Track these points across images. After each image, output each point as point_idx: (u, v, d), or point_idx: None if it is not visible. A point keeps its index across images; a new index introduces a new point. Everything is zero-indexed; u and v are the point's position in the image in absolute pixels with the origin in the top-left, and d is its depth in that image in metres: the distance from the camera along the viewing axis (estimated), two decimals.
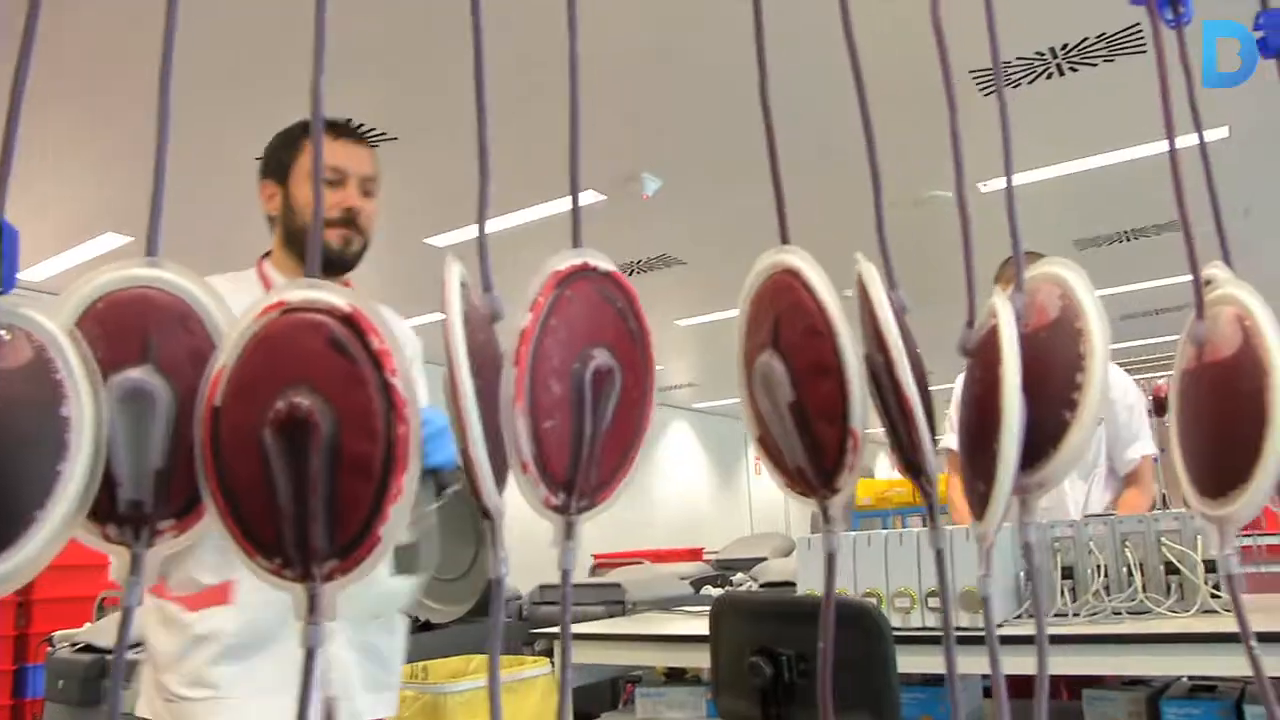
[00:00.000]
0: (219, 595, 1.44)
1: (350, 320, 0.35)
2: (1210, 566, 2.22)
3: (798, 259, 0.38)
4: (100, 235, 5.42)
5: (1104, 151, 4.81)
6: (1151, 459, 2.78)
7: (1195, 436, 0.44)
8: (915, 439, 0.37)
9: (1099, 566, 2.30)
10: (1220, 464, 0.43)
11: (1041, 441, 0.40)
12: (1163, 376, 5.72)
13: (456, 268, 0.39)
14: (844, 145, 4.69)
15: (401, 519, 0.34)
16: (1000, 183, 5.17)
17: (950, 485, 3.07)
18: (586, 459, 0.38)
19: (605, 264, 0.40)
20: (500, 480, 0.36)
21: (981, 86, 4.00)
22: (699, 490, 13.53)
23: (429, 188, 4.44)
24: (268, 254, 1.65)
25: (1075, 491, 2.75)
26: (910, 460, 0.38)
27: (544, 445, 0.37)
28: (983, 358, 0.40)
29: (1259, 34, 0.53)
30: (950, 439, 3.05)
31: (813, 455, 0.39)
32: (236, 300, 1.22)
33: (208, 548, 1.30)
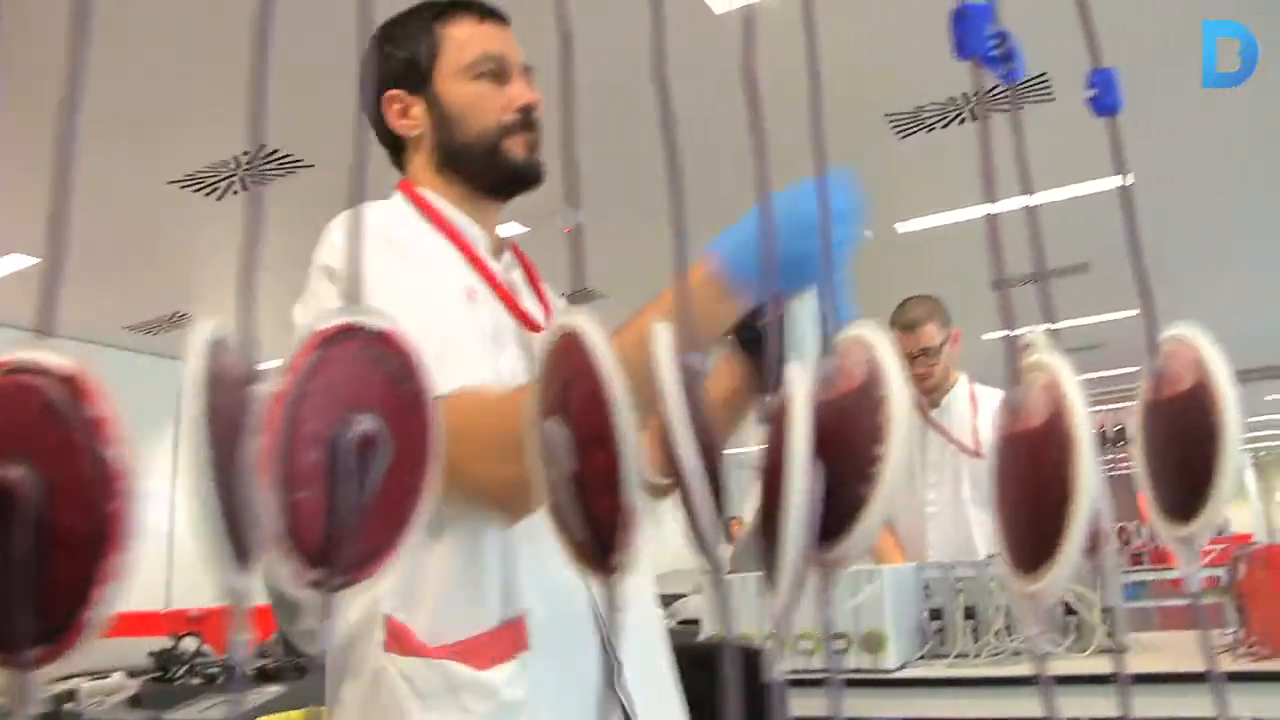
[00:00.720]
0: (515, 638, 1.02)
1: (70, 382, 0.32)
2: (1105, 610, 2.26)
3: (583, 321, 0.36)
4: (6, 255, 5.23)
5: (1016, 195, 4.94)
6: None
7: (1009, 506, 0.43)
8: (693, 510, 0.35)
9: (999, 607, 2.32)
10: (1032, 536, 0.42)
11: (841, 515, 0.38)
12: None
13: (209, 325, 0.36)
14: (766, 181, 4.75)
15: (113, 602, 0.31)
16: (917, 224, 5.32)
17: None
18: (346, 533, 0.35)
19: (380, 323, 0.37)
20: (244, 556, 0.33)
21: (897, 130, 4.09)
22: None
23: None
24: (402, 183, 1.23)
25: (985, 531, 2.78)
26: (694, 528, 0.36)
27: (296, 518, 0.34)
28: (777, 425, 0.38)
29: (1090, 92, 0.53)
30: None
31: (592, 530, 0.37)
32: (400, 232, 1.12)
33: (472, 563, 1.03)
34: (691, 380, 0.37)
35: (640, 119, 4.01)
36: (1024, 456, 0.42)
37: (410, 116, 1.20)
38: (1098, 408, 6.09)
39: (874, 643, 2.18)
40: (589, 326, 0.37)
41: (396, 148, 1.23)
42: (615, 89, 3.70)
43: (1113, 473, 5.88)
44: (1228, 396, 0.44)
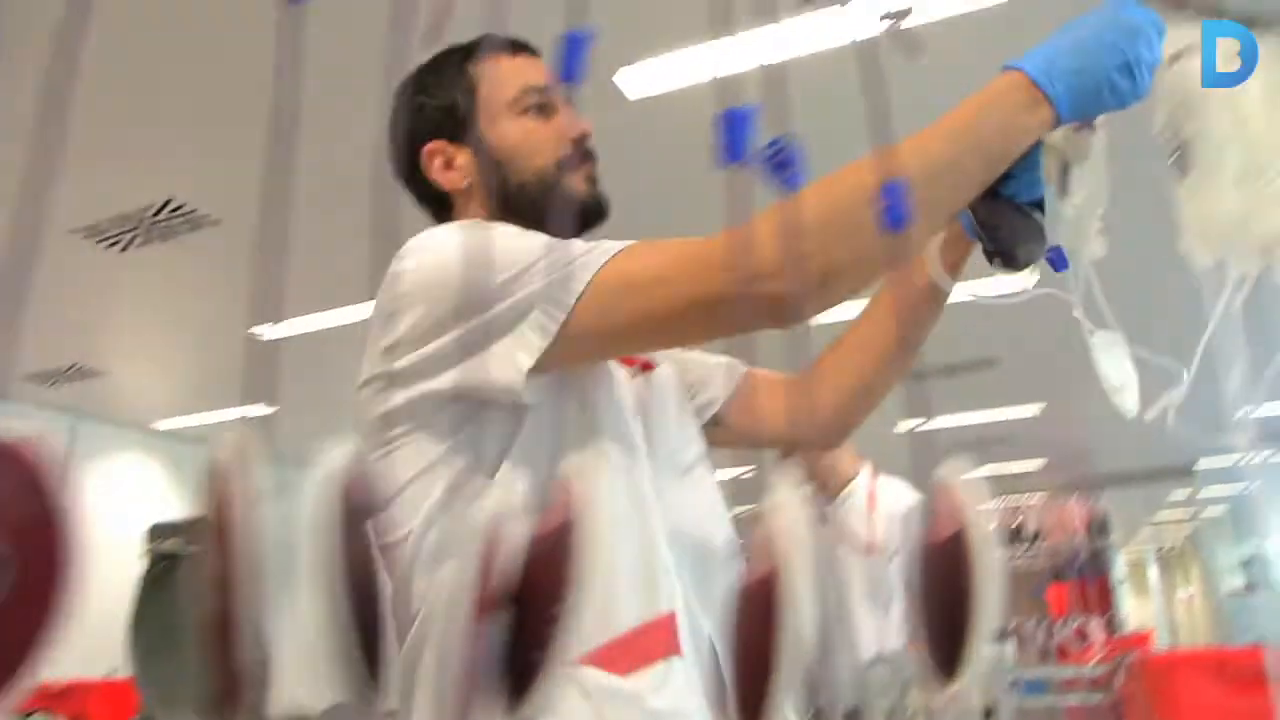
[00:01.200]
0: (662, 638, 0.90)
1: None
2: (987, 712, 2.24)
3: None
4: None
5: None
6: None
7: (921, 614, 0.43)
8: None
9: (887, 711, 2.28)
10: (942, 644, 0.43)
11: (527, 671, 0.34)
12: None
13: None
14: None
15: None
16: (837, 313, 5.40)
17: None
18: None
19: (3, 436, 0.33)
20: None
21: None
22: None
23: (254, 274, 4.28)
24: None
25: (871, 630, 2.76)
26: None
27: None
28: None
29: (883, 202, 0.52)
30: None
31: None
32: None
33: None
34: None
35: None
36: (932, 568, 0.42)
37: (455, 167, 1.10)
38: (1002, 502, 6.20)
39: None
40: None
41: (441, 204, 1.12)
42: None
43: (1014, 567, 5.95)
44: (983, 554, 0.42)
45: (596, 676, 0.85)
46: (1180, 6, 1.07)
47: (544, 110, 1.08)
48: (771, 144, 0.49)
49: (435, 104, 1.10)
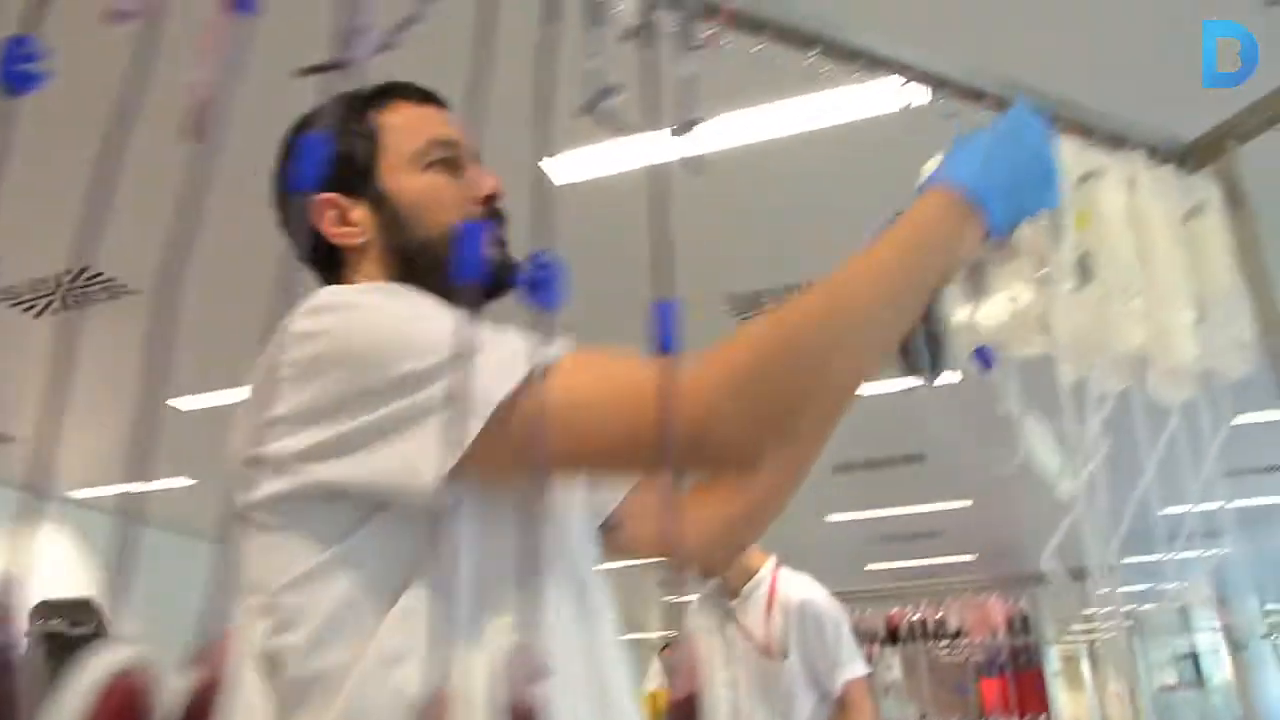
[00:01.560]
0: None
1: None
2: None
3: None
4: None
5: None
6: (860, 681, 2.75)
7: None
8: None
9: None
10: None
11: None
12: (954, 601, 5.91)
13: None
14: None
15: None
16: None
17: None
18: None
19: None
20: None
21: (736, 313, 4.22)
22: None
23: (177, 346, 4.17)
24: None
25: None
26: None
27: None
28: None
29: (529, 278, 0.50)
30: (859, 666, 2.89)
31: None
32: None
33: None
34: None
35: None
36: None
37: (350, 222, 0.98)
38: (924, 599, 6.20)
39: None
40: None
41: (332, 261, 1.00)
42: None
43: (936, 662, 5.91)
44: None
45: None
46: (1087, 134, 1.11)
47: (451, 166, 0.98)
48: (533, 258, 0.48)
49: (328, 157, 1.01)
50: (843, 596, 6.26)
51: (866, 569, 10.76)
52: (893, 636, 5.63)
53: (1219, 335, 1.02)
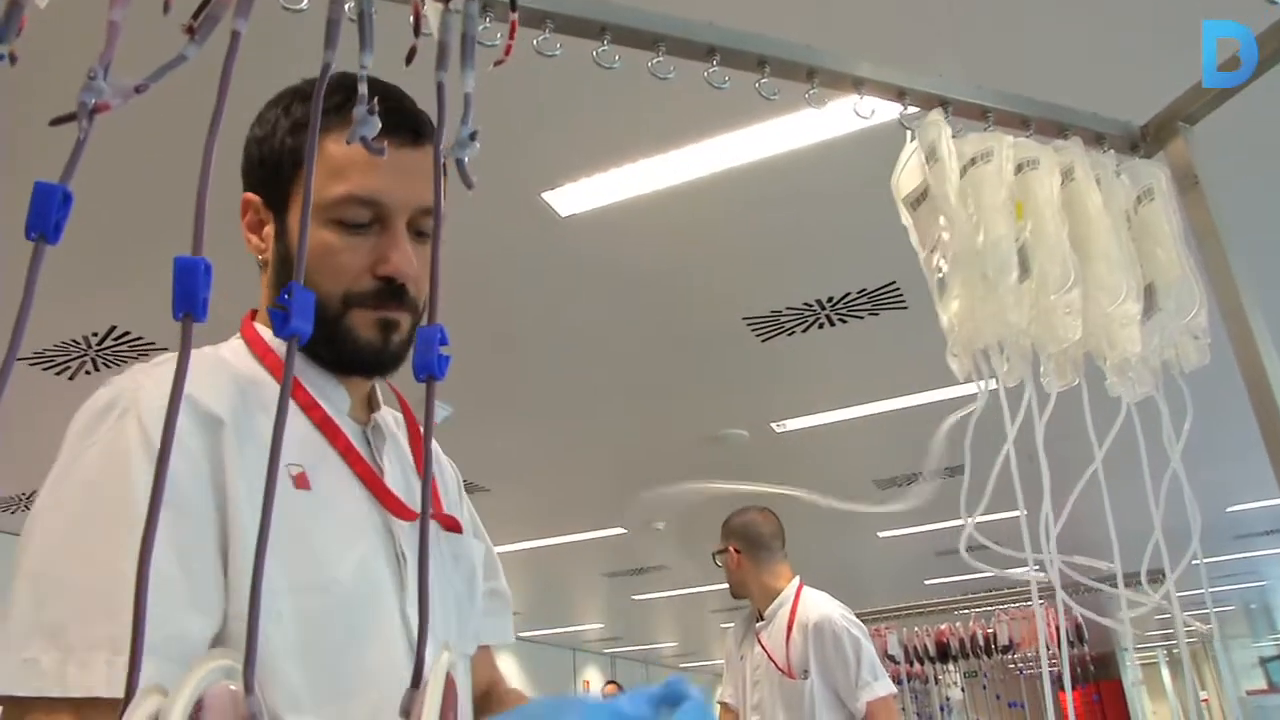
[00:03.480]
0: None
1: None
2: None
3: None
4: None
5: (890, 397, 5.03)
6: (885, 700, 2.68)
7: None
8: None
9: None
10: None
11: None
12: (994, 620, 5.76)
13: None
14: (647, 383, 4.79)
15: None
16: (795, 423, 5.39)
17: None
18: None
19: None
20: None
21: (757, 332, 4.17)
22: None
23: None
24: (255, 311, 0.97)
25: None
26: None
27: None
28: None
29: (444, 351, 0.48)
30: (727, 692, 2.93)
31: None
32: (216, 392, 0.78)
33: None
34: None
35: (501, 319, 4.07)
36: None
37: (261, 235, 0.92)
38: (977, 614, 6.03)
39: None
40: None
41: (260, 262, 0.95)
42: (471, 291, 3.74)
43: (1007, 674, 5.75)
44: None
45: None
46: (1025, 125, 1.08)
47: (363, 229, 0.88)
48: (423, 336, 0.45)
49: (263, 153, 0.92)
50: (896, 613, 6.16)
51: (925, 584, 10.55)
52: (943, 654, 5.48)
53: (1172, 325, 0.97)
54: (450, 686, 0.34)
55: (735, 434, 5.31)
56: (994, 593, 6.33)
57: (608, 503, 6.67)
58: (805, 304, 3.96)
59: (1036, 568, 0.85)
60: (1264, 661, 18.15)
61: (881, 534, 8.10)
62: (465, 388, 4.45)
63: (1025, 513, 0.82)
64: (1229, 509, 7.84)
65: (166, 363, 0.81)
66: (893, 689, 2.74)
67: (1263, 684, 17.79)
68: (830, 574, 5.59)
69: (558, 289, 3.74)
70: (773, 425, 5.29)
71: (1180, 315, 0.97)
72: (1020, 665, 5.48)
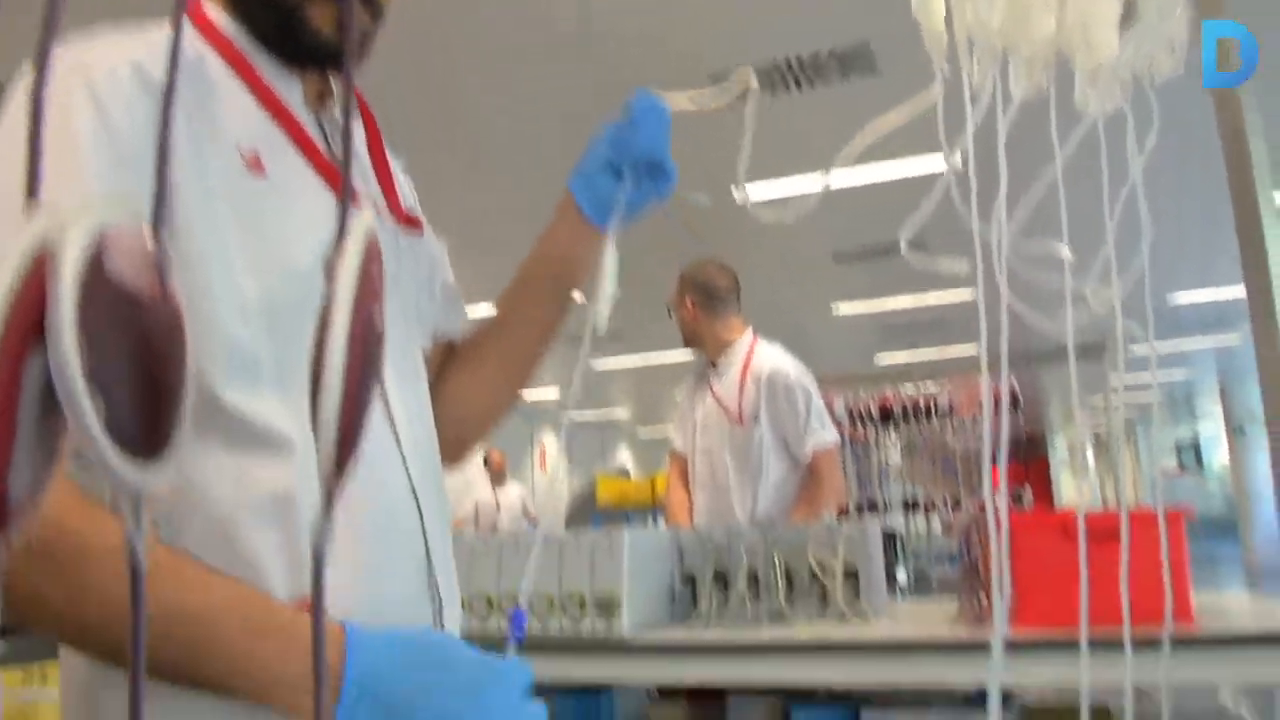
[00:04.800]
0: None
1: None
2: (851, 573, 2.27)
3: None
4: None
5: (849, 166, 4.96)
6: (829, 450, 2.81)
7: None
8: None
9: (751, 574, 2.30)
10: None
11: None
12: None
13: None
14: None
15: None
16: (757, 190, 5.34)
17: (670, 486, 3.06)
18: None
19: None
20: None
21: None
22: None
23: None
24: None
25: (742, 493, 2.78)
26: None
27: None
28: None
29: None
30: (677, 440, 3.04)
31: None
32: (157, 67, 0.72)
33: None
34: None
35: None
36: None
37: None
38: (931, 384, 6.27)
39: (607, 607, 2.13)
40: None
41: None
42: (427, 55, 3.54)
43: (946, 445, 6.05)
44: None
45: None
46: None
47: None
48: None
49: None
50: (847, 380, 6.37)
51: (877, 363, 10.88)
52: (885, 417, 5.74)
53: (1151, 36, 0.93)
54: (374, 244, 0.33)
55: (696, 199, 5.26)
56: (941, 364, 6.55)
57: None
58: (774, 63, 3.83)
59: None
60: (1179, 447, 19.34)
61: (837, 308, 8.26)
62: (423, 149, 4.32)
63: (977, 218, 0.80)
64: (1172, 299, 8.06)
65: (113, 33, 0.77)
66: (837, 439, 2.86)
67: (1175, 466, 19.02)
68: (783, 346, 5.71)
69: (518, 47, 3.57)
70: (734, 191, 5.24)
71: (1162, 23, 0.93)
72: (957, 429, 5.74)
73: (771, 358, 2.84)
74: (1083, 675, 0.84)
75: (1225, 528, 13.64)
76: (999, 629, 0.66)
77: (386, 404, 0.84)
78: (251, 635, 0.65)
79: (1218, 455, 17.31)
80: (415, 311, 0.96)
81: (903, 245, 0.86)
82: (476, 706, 0.66)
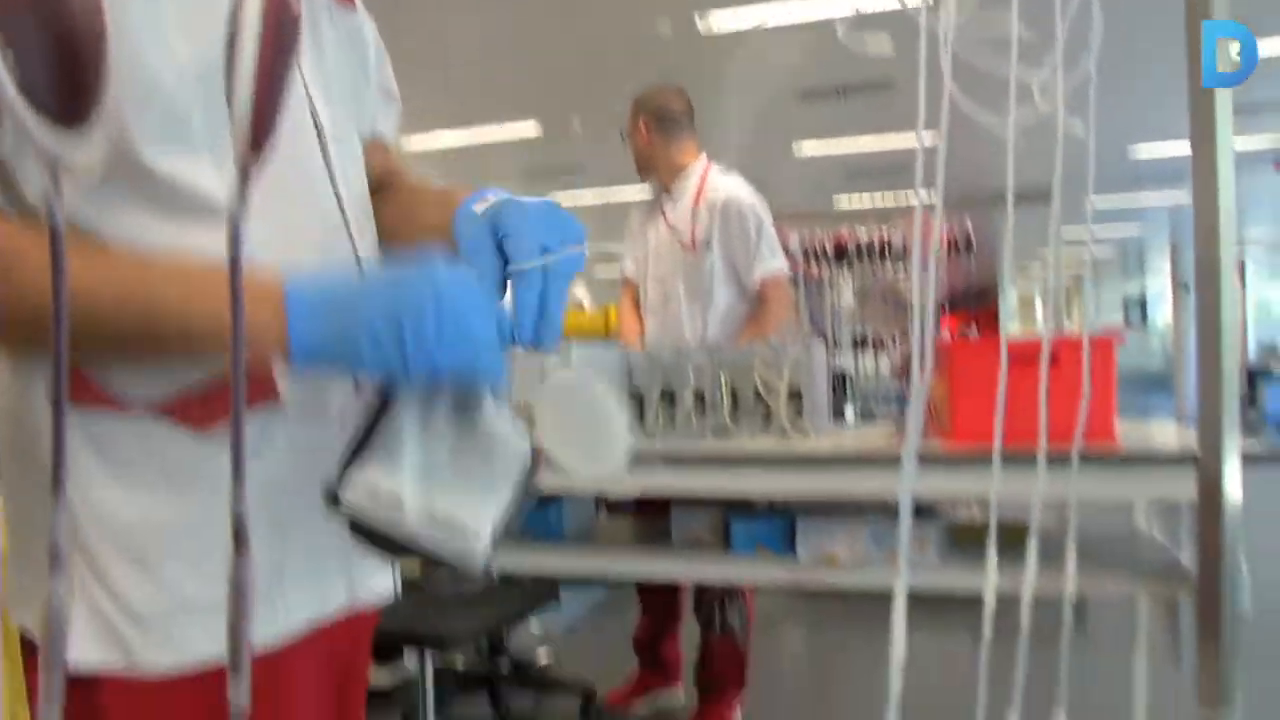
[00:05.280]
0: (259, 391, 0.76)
1: None
2: (795, 394, 2.34)
3: None
4: None
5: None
6: (778, 277, 2.83)
7: None
8: None
9: (698, 393, 2.37)
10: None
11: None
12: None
13: None
14: None
15: None
16: (721, 20, 5.16)
17: (621, 313, 3.08)
18: None
19: None
20: None
21: None
22: None
23: None
24: None
25: (692, 318, 2.81)
26: None
27: None
28: None
29: None
30: (629, 266, 3.04)
31: None
32: None
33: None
34: None
35: None
36: None
37: None
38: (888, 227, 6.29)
39: None
40: None
41: None
42: None
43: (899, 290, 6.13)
44: None
45: (166, 430, 0.72)
46: None
47: None
48: None
49: None
50: (803, 218, 6.37)
51: (835, 206, 10.84)
52: (840, 254, 5.79)
53: None
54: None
55: (659, 31, 5.10)
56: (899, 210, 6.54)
57: (525, 96, 6.52)
58: None
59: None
60: (1126, 304, 19.78)
61: (799, 148, 8.15)
62: None
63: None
64: (1133, 151, 8.05)
65: None
66: (787, 268, 2.88)
67: (1121, 320, 19.49)
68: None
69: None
70: (698, 22, 5.08)
71: None
72: (909, 271, 5.80)
73: (726, 185, 2.82)
74: (994, 484, 0.90)
75: (1164, 383, 14.12)
76: (911, 438, 0.70)
77: (314, 118, 0.83)
78: (199, 293, 0.66)
79: (1162, 313, 17.75)
80: (351, 90, 0.93)
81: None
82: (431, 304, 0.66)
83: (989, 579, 0.87)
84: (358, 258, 0.85)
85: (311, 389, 0.79)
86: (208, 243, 0.70)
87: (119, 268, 0.66)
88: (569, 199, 9.76)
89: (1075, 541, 1.00)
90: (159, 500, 0.72)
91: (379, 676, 3.32)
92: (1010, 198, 0.89)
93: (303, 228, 0.80)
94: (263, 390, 0.75)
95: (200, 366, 0.71)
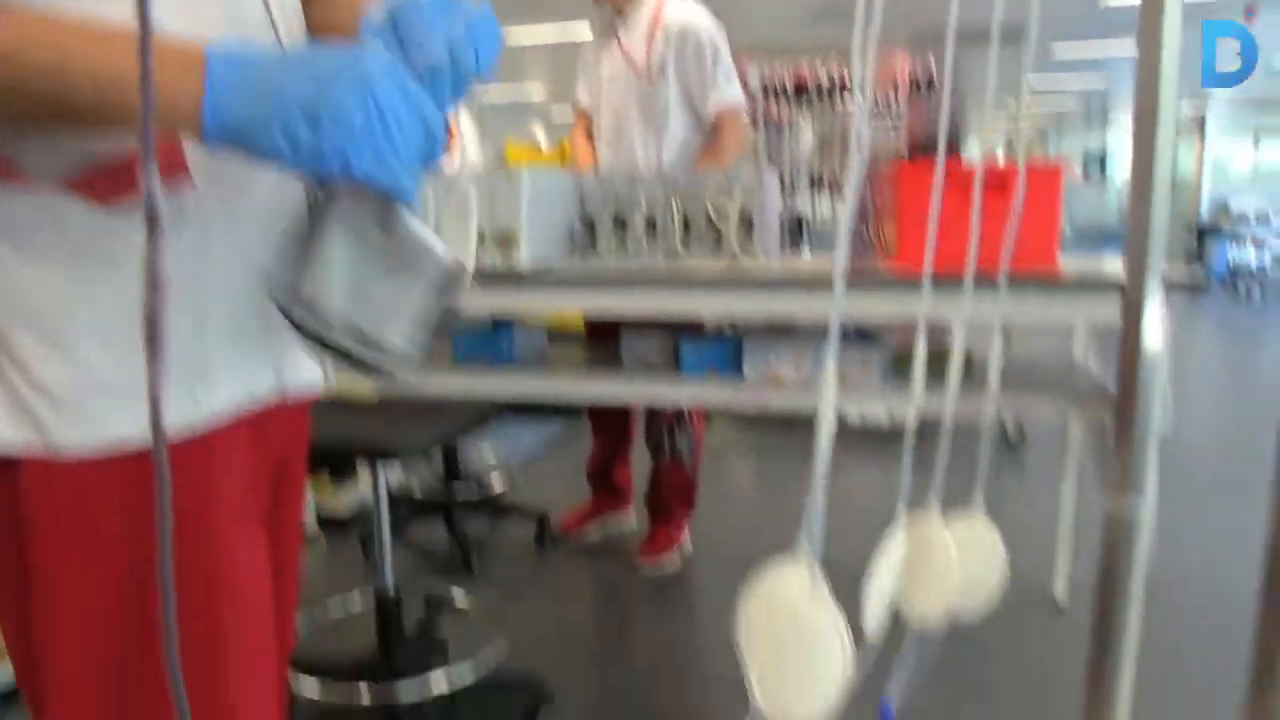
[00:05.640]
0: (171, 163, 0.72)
1: None
2: (746, 220, 2.34)
3: None
4: None
5: None
6: (734, 108, 2.79)
7: None
8: None
9: (649, 218, 2.36)
10: None
11: None
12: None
13: None
14: None
15: None
16: None
17: (574, 142, 3.03)
18: None
19: None
20: None
21: None
22: None
23: None
24: None
25: (646, 148, 2.78)
26: None
27: None
28: None
29: None
30: (582, 96, 2.96)
31: None
32: None
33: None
34: None
35: None
36: None
37: None
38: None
39: (506, 241, 2.18)
40: None
41: None
42: None
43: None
44: None
45: (72, 206, 0.69)
46: None
47: None
48: None
49: None
50: (765, 50, 6.18)
51: (801, 43, 10.54)
52: (800, 91, 5.68)
53: None
54: None
55: None
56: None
57: None
58: None
59: None
60: (1086, 158, 19.76)
61: None
62: None
63: None
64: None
65: None
66: (743, 100, 2.83)
67: (1079, 174, 19.51)
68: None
69: None
70: None
71: None
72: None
73: (683, 11, 2.74)
74: (924, 305, 0.94)
75: (1121, 238, 14.28)
76: (839, 260, 0.71)
77: None
78: (117, 53, 0.62)
79: (1122, 168, 17.78)
80: None
81: None
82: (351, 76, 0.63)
83: (915, 393, 0.92)
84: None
85: (229, 171, 0.75)
86: (124, 14, 0.67)
87: (31, 27, 0.63)
88: (525, 36, 9.41)
89: (1005, 363, 1.04)
90: (70, 279, 0.70)
91: (336, 504, 3.40)
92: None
93: (222, 20, 0.75)
94: (171, 163, 0.71)
95: (109, 138, 0.68)
